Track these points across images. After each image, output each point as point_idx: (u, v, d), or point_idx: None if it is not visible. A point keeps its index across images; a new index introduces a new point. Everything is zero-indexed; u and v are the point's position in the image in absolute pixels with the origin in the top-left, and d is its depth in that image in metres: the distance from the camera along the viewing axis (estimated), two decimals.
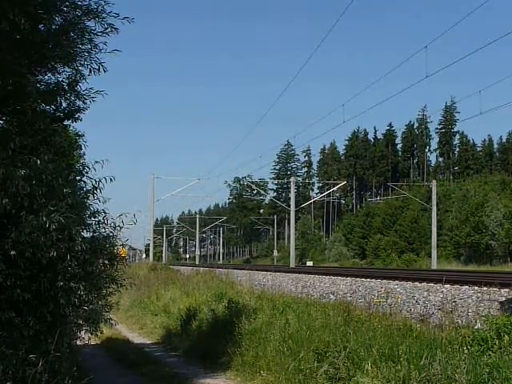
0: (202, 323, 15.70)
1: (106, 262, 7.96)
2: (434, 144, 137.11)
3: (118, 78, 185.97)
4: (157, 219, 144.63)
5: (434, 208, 56.10)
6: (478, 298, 13.93)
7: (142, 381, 11.58)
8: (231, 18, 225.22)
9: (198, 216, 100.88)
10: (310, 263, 67.22)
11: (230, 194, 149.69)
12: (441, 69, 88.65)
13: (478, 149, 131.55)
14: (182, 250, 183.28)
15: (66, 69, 8.03)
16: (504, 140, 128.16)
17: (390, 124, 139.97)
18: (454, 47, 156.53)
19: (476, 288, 14.73)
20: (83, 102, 8.26)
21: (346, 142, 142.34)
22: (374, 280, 20.08)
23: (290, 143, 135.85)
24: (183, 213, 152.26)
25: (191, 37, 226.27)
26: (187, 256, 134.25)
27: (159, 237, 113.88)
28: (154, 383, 11.23)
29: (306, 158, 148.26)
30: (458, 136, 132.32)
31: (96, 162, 7.85)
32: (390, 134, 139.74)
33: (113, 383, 11.26)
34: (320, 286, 22.01)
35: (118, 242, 8.28)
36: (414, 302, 15.46)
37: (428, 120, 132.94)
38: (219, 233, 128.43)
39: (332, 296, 18.75)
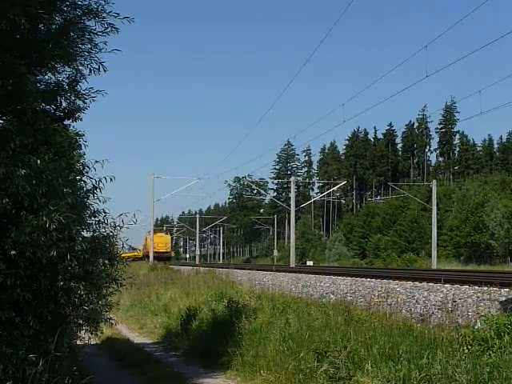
0: (202, 323, 15.68)
1: (106, 261, 7.97)
2: (434, 144, 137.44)
3: (118, 77, 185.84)
4: (157, 219, 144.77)
5: (434, 208, 56.08)
6: (478, 297, 13.92)
7: (141, 380, 11.57)
8: (231, 17, 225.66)
9: (198, 216, 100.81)
10: (310, 263, 67.18)
11: (230, 194, 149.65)
12: (441, 69, 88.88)
13: (478, 149, 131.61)
14: (182, 249, 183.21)
15: (66, 68, 8.05)
16: (504, 140, 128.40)
17: (390, 124, 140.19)
18: (454, 47, 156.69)
19: (476, 288, 14.72)
20: (83, 101, 8.27)
21: (346, 142, 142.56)
22: (373, 280, 20.07)
23: (290, 143, 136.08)
24: (183, 213, 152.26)
25: (191, 36, 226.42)
26: (187, 256, 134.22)
27: None
28: (154, 383, 11.23)
29: (306, 158, 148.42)
30: (458, 136, 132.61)
31: (96, 161, 7.87)
32: (390, 134, 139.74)
33: (113, 383, 11.25)
34: (320, 285, 21.99)
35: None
36: (414, 301, 15.45)
37: (428, 120, 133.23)
38: (219, 233, 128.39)
39: (332, 296, 18.73)
